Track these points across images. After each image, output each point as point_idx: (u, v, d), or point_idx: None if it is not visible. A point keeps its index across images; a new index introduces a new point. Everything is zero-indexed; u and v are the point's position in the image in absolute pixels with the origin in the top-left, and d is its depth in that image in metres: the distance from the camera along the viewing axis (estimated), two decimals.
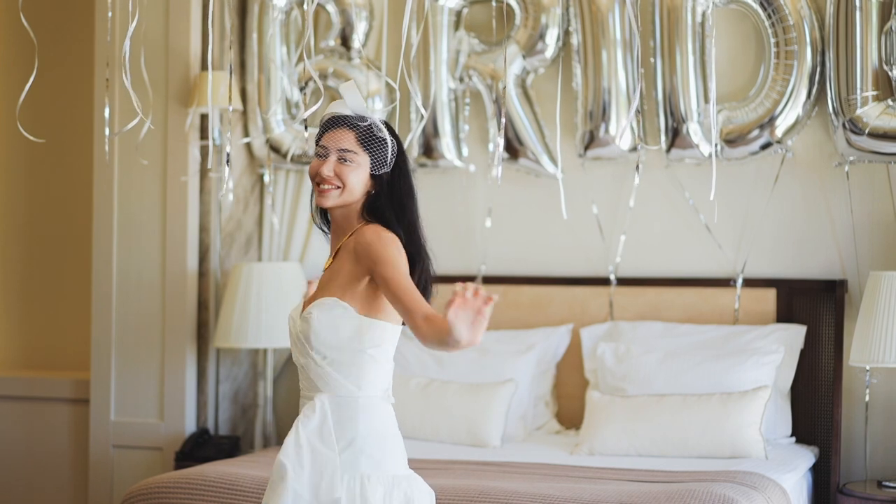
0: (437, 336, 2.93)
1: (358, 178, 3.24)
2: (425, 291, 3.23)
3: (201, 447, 5.69)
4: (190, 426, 5.87)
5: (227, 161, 4.11)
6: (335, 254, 3.28)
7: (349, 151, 3.23)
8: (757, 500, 4.20)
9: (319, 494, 3.12)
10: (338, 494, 3.10)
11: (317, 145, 3.29)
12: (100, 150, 5.95)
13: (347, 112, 3.28)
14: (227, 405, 6.06)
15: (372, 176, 3.26)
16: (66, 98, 6.38)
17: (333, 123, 3.28)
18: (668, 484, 4.38)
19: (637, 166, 5.56)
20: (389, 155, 3.26)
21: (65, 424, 6.17)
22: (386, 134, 3.26)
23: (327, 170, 3.22)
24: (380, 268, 3.13)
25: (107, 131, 4.53)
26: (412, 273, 3.18)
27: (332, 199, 3.23)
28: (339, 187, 3.22)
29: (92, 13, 6.12)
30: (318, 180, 3.25)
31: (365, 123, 3.25)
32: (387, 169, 3.26)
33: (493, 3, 5.63)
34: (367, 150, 3.24)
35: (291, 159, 5.99)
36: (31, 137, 4.11)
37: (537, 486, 4.34)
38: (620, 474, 4.68)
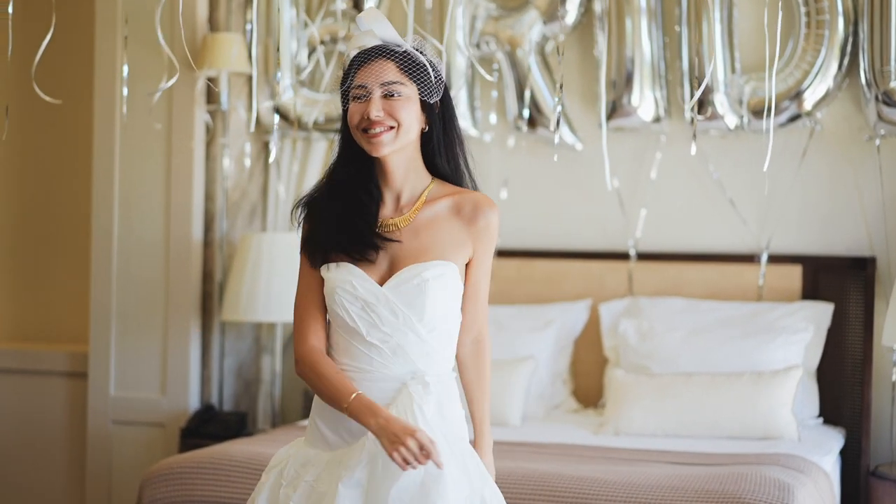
0: (481, 363, 2.92)
1: (410, 112, 2.81)
2: None
3: (207, 423, 5.49)
4: (193, 402, 5.66)
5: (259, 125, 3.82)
6: (414, 212, 2.88)
7: (395, 83, 2.80)
8: (807, 485, 4.05)
9: (473, 482, 2.80)
10: (488, 477, 2.84)
11: (350, 87, 2.83)
12: (103, 113, 5.71)
13: (377, 41, 2.86)
14: (231, 380, 5.85)
15: (423, 108, 2.87)
16: (63, 57, 6.10)
17: (366, 57, 2.83)
18: (712, 467, 4.21)
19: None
20: (434, 80, 2.86)
21: (61, 399, 5.95)
22: (425, 58, 2.87)
23: (375, 111, 2.78)
24: (484, 258, 2.90)
25: (125, 90, 4.27)
26: None
27: (387, 144, 2.81)
28: (392, 127, 2.80)
29: None
30: (364, 126, 2.80)
31: (403, 49, 2.84)
32: (438, 96, 2.88)
33: None
34: (413, 77, 2.82)
35: (301, 126, 5.78)
36: (48, 98, 3.86)
37: (575, 468, 4.17)
38: (656, 456, 4.51)
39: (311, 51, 5.84)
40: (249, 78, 5.81)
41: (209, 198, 5.72)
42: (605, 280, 5.65)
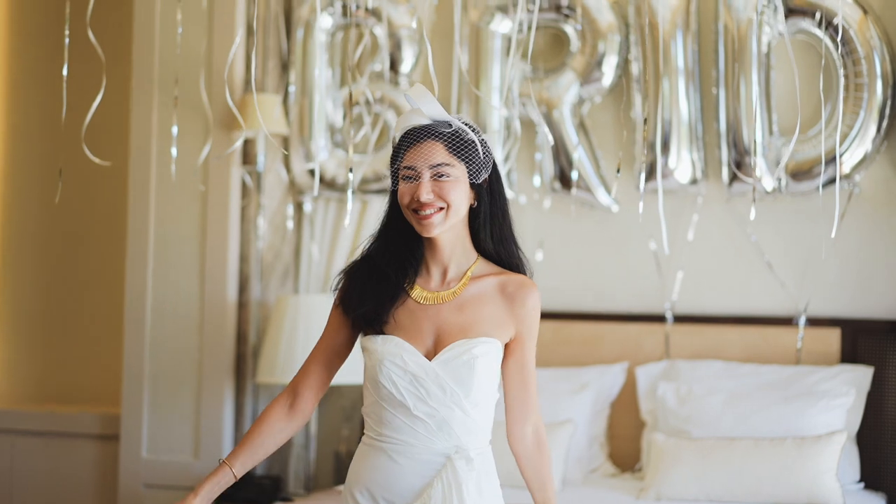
0: (538, 452, 2.91)
1: (459, 192, 2.84)
2: None
3: (242, 487, 5.43)
4: None
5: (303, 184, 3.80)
6: (460, 289, 2.91)
7: (444, 165, 2.82)
8: None
9: None
10: None
11: (400, 168, 2.86)
12: (138, 173, 5.70)
13: (425, 120, 2.88)
14: None
15: (471, 186, 2.88)
16: (100, 118, 6.09)
17: (415, 137, 2.85)
18: None
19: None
20: (483, 156, 2.87)
21: (91, 462, 5.90)
22: (474, 135, 2.87)
23: (426, 194, 2.80)
24: (529, 343, 2.90)
25: (174, 151, 4.26)
26: None
27: (438, 225, 2.83)
28: (442, 208, 2.82)
29: (129, 37, 5.85)
30: (414, 206, 2.83)
31: (451, 129, 2.85)
32: (486, 173, 2.88)
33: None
34: (462, 158, 2.84)
35: (335, 187, 5.77)
36: (98, 160, 3.86)
37: None
38: None
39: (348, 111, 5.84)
40: (285, 138, 5.80)
41: (243, 259, 5.70)
42: (641, 343, 5.62)
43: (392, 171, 2.89)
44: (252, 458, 2.95)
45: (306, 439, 5.81)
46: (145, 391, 5.68)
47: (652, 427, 5.36)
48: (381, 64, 5.78)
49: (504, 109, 5.54)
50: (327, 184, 5.81)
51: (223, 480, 2.91)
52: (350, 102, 5.34)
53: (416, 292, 2.91)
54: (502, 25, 5.66)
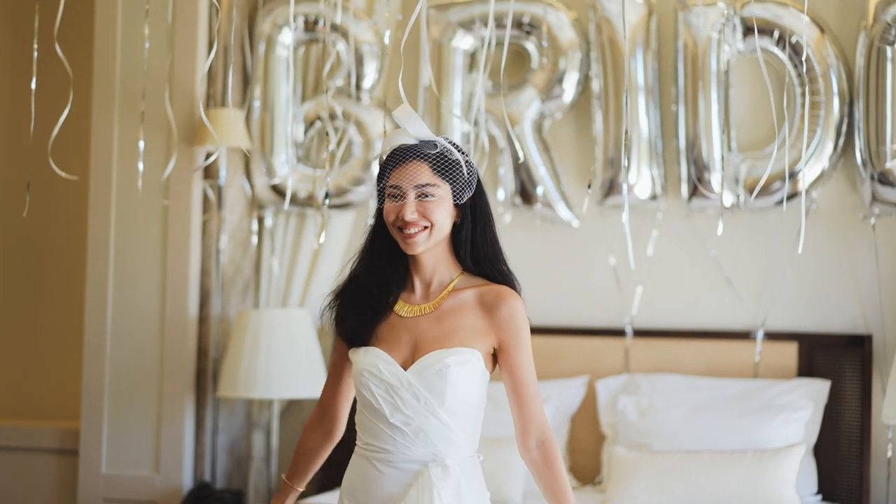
0: (550, 463, 2.93)
1: (443, 212, 2.91)
2: None
3: (202, 501, 5.42)
4: (187, 479, 5.59)
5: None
6: (439, 300, 2.97)
7: (429, 185, 2.89)
8: None
9: None
10: None
11: (386, 186, 2.93)
12: (98, 187, 5.68)
13: (410, 140, 2.94)
14: (223, 457, 5.79)
15: (455, 205, 2.95)
16: (68, 132, 6.04)
17: (400, 157, 2.92)
18: None
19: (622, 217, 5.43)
20: (467, 176, 2.93)
21: (50, 477, 5.86)
22: (459, 155, 2.93)
23: (410, 213, 2.87)
24: (514, 352, 2.92)
25: (140, 166, 4.27)
26: None
27: (422, 244, 2.90)
28: (426, 227, 2.90)
29: (90, 52, 5.83)
30: (399, 225, 2.90)
31: (436, 150, 2.91)
32: (470, 193, 2.95)
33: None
34: (447, 178, 2.91)
35: (295, 202, 5.78)
36: (65, 175, 3.85)
37: None
38: None
39: (308, 126, 5.85)
40: (246, 153, 5.80)
41: (205, 273, 5.69)
42: (601, 357, 5.66)
43: (378, 189, 2.95)
44: (308, 472, 3.18)
45: (267, 453, 5.81)
46: (105, 405, 5.66)
47: (612, 440, 5.40)
48: (344, 79, 5.79)
49: (466, 124, 5.57)
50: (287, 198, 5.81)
51: (291, 498, 3.15)
52: (327, 117, 5.36)
53: (399, 306, 2.98)
54: (464, 42, 5.70)
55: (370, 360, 2.93)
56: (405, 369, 2.91)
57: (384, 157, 2.98)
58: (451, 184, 2.92)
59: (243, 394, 5.45)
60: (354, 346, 2.98)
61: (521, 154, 4.09)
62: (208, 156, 5.65)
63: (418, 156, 2.91)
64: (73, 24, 5.36)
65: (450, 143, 2.95)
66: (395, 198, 2.91)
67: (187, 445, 5.60)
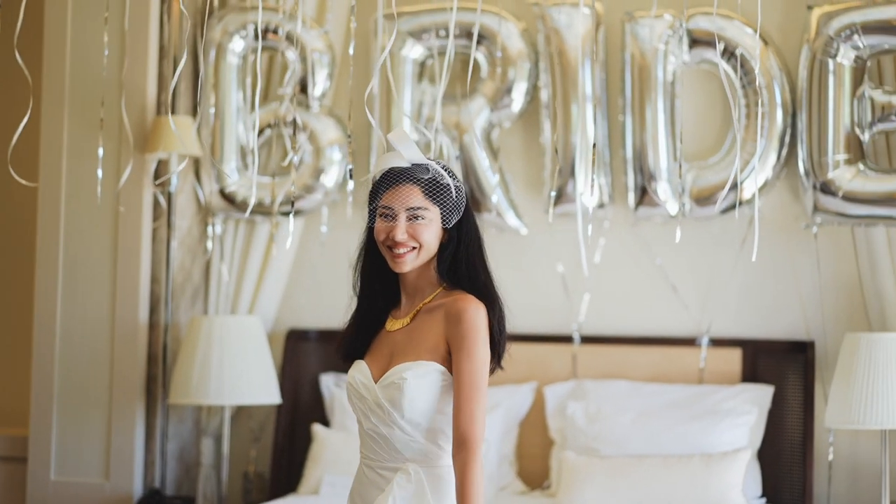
0: (458, 475, 2.90)
1: (432, 234, 3.05)
2: (499, 345, 3.11)
3: None
4: (137, 486, 5.59)
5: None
6: (413, 315, 3.09)
7: (419, 209, 3.03)
8: None
9: None
10: None
11: (378, 206, 3.07)
12: (47, 192, 5.67)
13: (404, 163, 3.06)
14: (173, 464, 5.80)
15: (443, 227, 3.08)
16: (29, 139, 6.03)
17: (393, 179, 3.06)
18: None
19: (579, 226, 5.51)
20: (455, 200, 3.06)
21: None
22: (449, 179, 3.06)
23: (401, 234, 3.01)
24: (458, 357, 2.97)
25: (99, 173, 4.27)
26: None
27: (409, 263, 3.05)
28: (414, 248, 3.04)
29: (39, 55, 5.82)
30: (389, 244, 3.05)
31: (428, 175, 3.04)
32: (458, 216, 3.08)
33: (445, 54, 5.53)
34: (437, 202, 3.04)
35: (245, 209, 5.80)
36: (24, 182, 3.86)
37: None
38: None
39: (259, 133, 5.87)
40: (196, 160, 5.81)
41: (155, 280, 5.70)
42: (549, 363, 5.73)
43: (370, 209, 3.08)
44: None
45: (217, 459, 5.82)
46: (54, 412, 5.64)
47: (561, 445, 5.47)
48: (294, 87, 5.82)
49: (427, 134, 5.61)
50: (237, 206, 5.84)
51: None
52: (292, 124, 5.37)
53: (389, 321, 3.14)
54: (413, 51, 5.75)
55: (352, 373, 3.11)
56: (377, 381, 3.04)
57: (377, 178, 3.09)
58: (440, 207, 3.05)
59: (195, 400, 5.46)
60: (349, 362, 3.16)
61: (485, 158, 4.10)
62: (160, 163, 5.65)
63: (411, 179, 3.04)
64: (33, 31, 5.36)
65: (442, 167, 3.08)
66: (387, 218, 3.05)
67: (137, 452, 5.60)
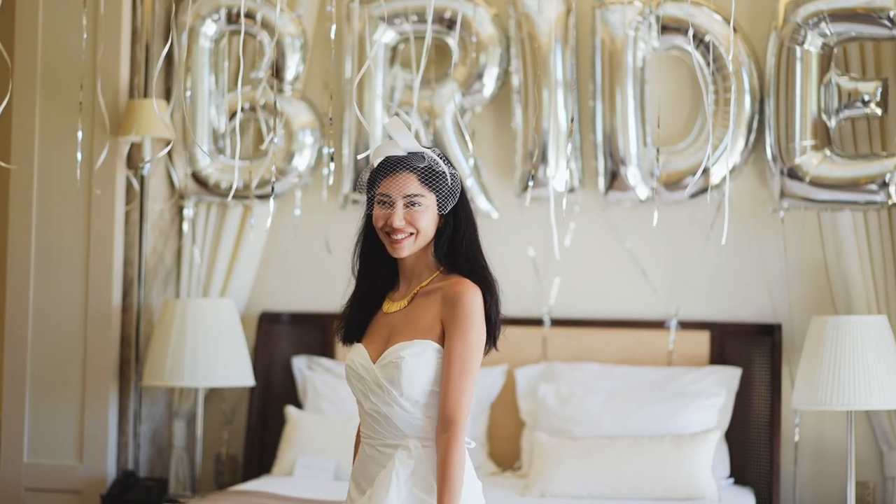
0: (440, 455, 2.98)
1: (428, 220, 3.13)
2: (495, 327, 3.16)
3: (128, 490, 5.45)
4: (111, 468, 5.61)
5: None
6: (411, 297, 3.16)
7: (416, 196, 3.11)
8: None
9: None
10: None
11: (375, 193, 3.15)
12: (20, 174, 5.66)
13: (400, 152, 3.14)
14: (146, 446, 5.82)
15: (439, 213, 3.15)
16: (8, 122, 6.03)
17: (390, 167, 3.13)
18: None
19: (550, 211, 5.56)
20: (451, 186, 3.14)
21: None
22: (444, 167, 3.14)
23: (398, 220, 3.09)
24: (451, 339, 3.05)
25: (79, 156, 4.28)
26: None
27: (407, 248, 3.12)
28: (412, 234, 3.11)
29: (11, 36, 5.81)
30: (387, 230, 3.13)
31: (424, 163, 3.12)
32: (454, 202, 3.16)
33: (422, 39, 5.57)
34: (433, 189, 3.12)
35: (216, 192, 5.83)
36: (2, 164, 3.88)
37: None
38: None
39: (231, 117, 5.89)
40: (168, 143, 5.83)
41: (128, 263, 5.71)
42: (520, 346, 5.78)
43: (368, 197, 3.16)
44: None
45: (190, 442, 5.85)
46: (27, 394, 5.65)
47: (532, 427, 5.53)
48: (266, 71, 5.84)
49: (408, 119, 5.66)
50: (210, 189, 5.86)
51: None
52: (273, 107, 5.38)
53: (386, 303, 3.22)
54: (386, 36, 5.78)
55: (351, 356, 3.20)
56: (375, 362, 3.12)
57: (375, 165, 3.17)
58: (436, 194, 3.13)
59: (168, 382, 5.49)
60: (348, 345, 3.24)
61: (472, 138, 4.15)
62: (133, 146, 5.66)
63: (407, 167, 3.12)
64: (5, 14, 5.36)
65: (437, 154, 3.15)
66: (385, 205, 3.13)
67: (111, 434, 5.62)
